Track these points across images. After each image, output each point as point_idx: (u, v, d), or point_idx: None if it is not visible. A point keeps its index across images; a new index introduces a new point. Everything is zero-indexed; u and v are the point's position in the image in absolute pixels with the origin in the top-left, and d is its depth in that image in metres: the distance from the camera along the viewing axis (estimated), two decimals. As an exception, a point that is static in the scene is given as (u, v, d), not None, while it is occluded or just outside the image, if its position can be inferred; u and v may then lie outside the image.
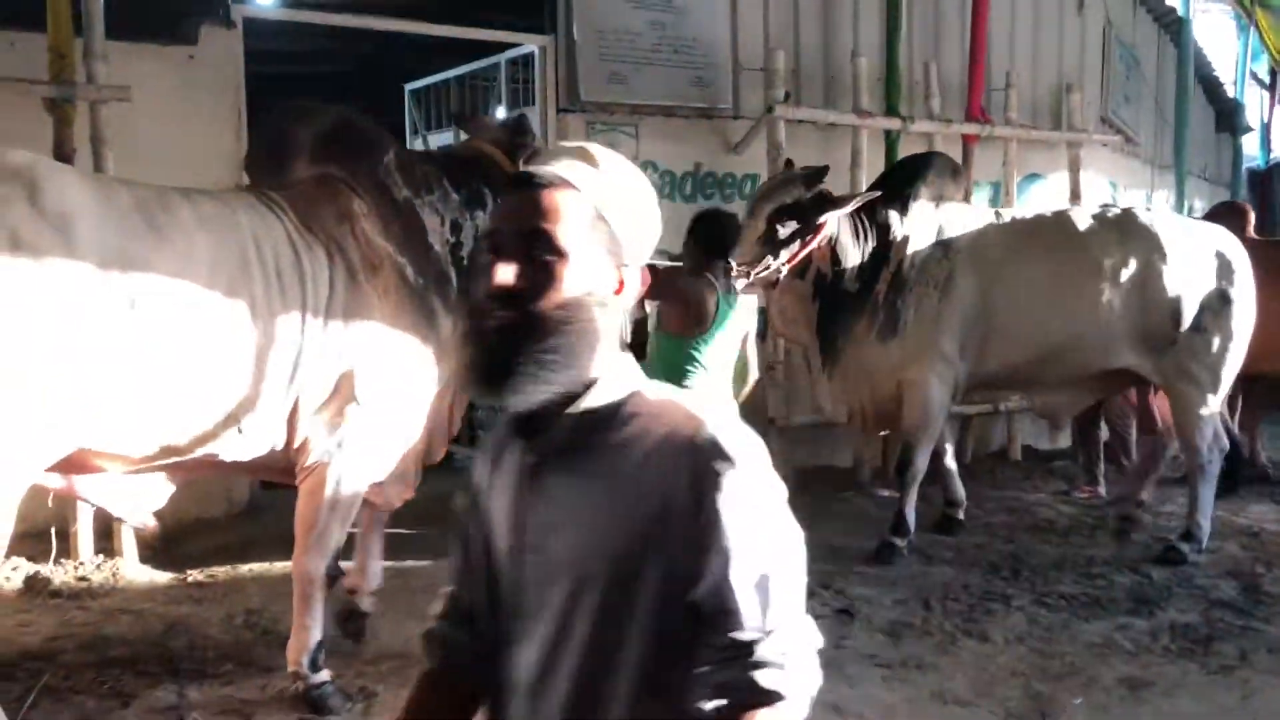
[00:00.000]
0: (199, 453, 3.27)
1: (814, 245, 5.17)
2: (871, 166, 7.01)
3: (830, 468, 7.17)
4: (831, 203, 5.12)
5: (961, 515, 6.01)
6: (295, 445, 3.46)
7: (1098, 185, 8.58)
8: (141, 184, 3.26)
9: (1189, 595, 5.15)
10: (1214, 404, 5.70)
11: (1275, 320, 6.11)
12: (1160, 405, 6.07)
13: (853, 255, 5.31)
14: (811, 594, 4.64)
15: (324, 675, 3.64)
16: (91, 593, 4.68)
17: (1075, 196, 7.90)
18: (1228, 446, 5.89)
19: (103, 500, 3.40)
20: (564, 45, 6.51)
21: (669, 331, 4.14)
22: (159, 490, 3.45)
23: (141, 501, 3.43)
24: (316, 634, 3.64)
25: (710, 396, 3.80)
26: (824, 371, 5.44)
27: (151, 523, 3.51)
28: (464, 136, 4.52)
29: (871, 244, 5.33)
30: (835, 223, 5.23)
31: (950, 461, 6.09)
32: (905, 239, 5.35)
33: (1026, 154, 7.94)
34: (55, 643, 4.19)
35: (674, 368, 4.05)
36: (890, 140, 7.18)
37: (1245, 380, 7.53)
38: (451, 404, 3.92)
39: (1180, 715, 3.90)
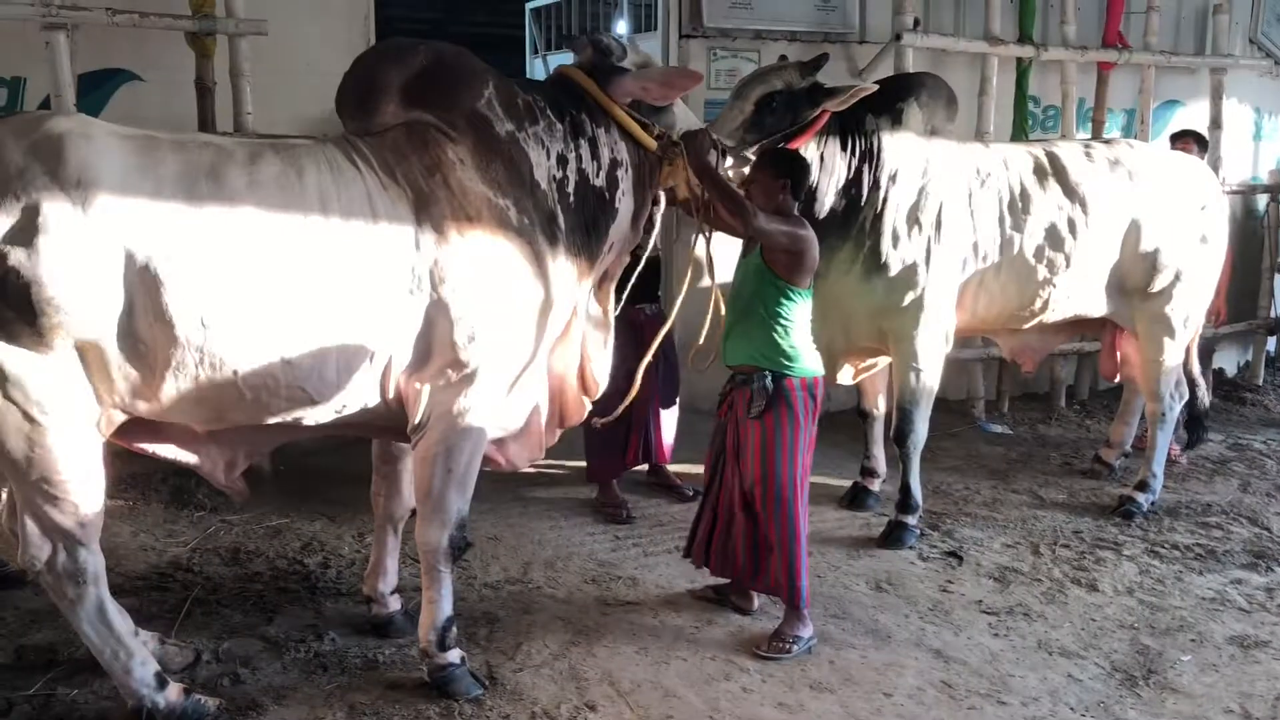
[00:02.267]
0: (272, 421, 3.23)
1: (805, 140, 4.58)
2: (1001, 95, 6.84)
3: (941, 400, 7.10)
4: (826, 94, 4.66)
5: (877, 488, 5.46)
6: (399, 407, 3.38)
7: (1241, 112, 8.19)
8: (206, 144, 3.15)
9: (1310, 550, 5.07)
10: (1180, 350, 5.46)
11: None
12: (1121, 346, 5.73)
13: (840, 167, 4.73)
14: (921, 535, 4.72)
15: (453, 655, 3.53)
16: (231, 506, 4.91)
17: (1216, 125, 7.57)
18: (1188, 395, 5.62)
19: (185, 458, 3.33)
20: (688, -32, 6.44)
21: (776, 271, 3.89)
22: (243, 453, 3.41)
23: (229, 462, 3.39)
24: (446, 609, 3.52)
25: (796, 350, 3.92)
26: None
27: (239, 486, 3.43)
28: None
29: (859, 161, 4.76)
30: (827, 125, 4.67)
31: (879, 432, 5.49)
32: (896, 170, 4.78)
33: (1165, 80, 7.60)
34: (200, 556, 4.50)
35: (768, 310, 3.88)
36: (1021, 69, 6.97)
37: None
38: (584, 360, 3.80)
39: (1292, 679, 3.89)
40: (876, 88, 4.74)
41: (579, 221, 3.58)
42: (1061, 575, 4.67)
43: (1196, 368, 5.83)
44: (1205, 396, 5.97)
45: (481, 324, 3.32)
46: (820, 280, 4.70)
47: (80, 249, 2.84)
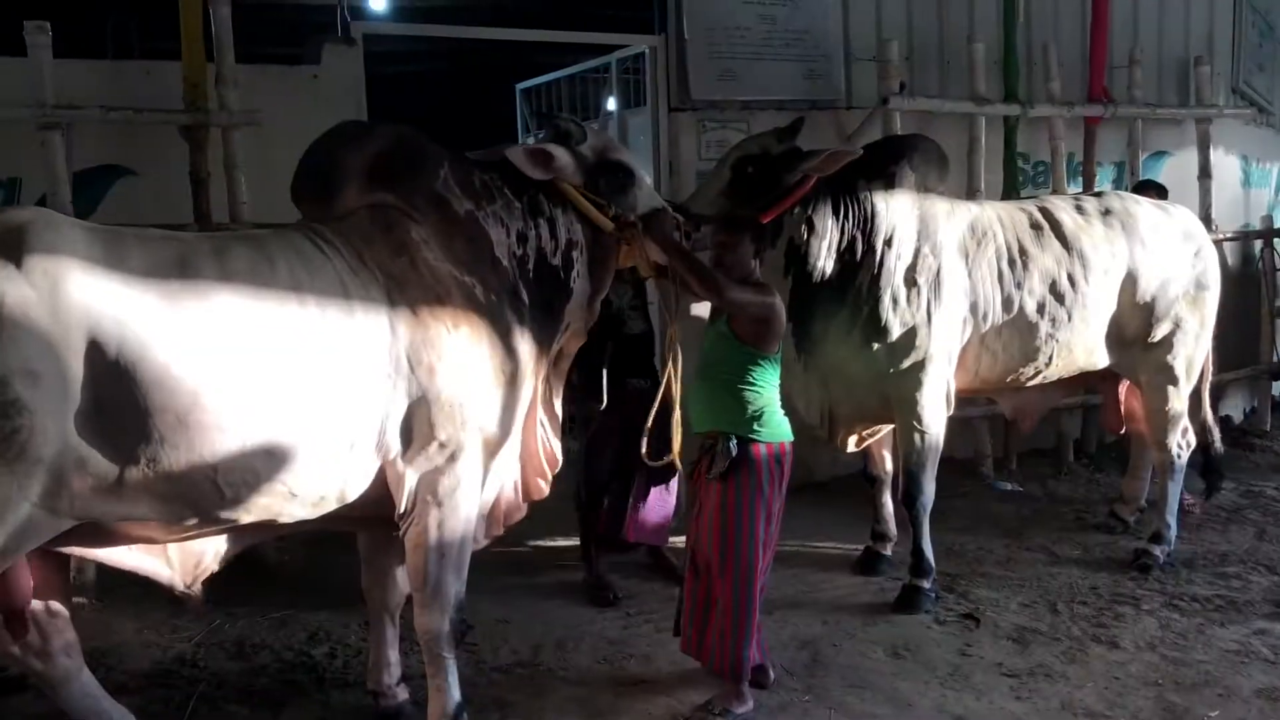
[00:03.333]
0: (248, 519, 3.10)
1: (788, 204, 4.59)
2: (990, 153, 6.90)
3: (948, 460, 7.04)
4: (804, 158, 4.60)
5: (889, 552, 5.41)
6: (381, 495, 3.30)
7: (1229, 161, 8.27)
8: (170, 238, 3.08)
9: (1331, 597, 4.99)
10: (1185, 398, 5.41)
11: None
12: (1125, 399, 5.73)
13: (832, 231, 4.70)
14: (936, 597, 4.65)
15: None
16: (235, 599, 4.81)
17: (1205, 174, 7.64)
18: (1194, 441, 5.56)
19: (144, 568, 3.19)
20: (674, 44, 6.52)
21: (742, 338, 3.85)
22: (210, 556, 3.27)
23: (191, 568, 3.25)
24: (455, 695, 3.48)
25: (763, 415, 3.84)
26: (798, 361, 4.82)
27: (197, 592, 3.28)
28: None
29: (853, 226, 4.73)
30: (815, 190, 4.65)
31: (887, 495, 5.44)
32: (891, 233, 4.76)
33: (1152, 131, 7.70)
34: (205, 650, 4.42)
35: (735, 375, 3.83)
36: (1009, 126, 7.03)
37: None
38: (540, 438, 3.74)
39: (1323, 731, 3.81)
40: (860, 151, 4.77)
41: (538, 298, 3.57)
42: (1081, 633, 4.59)
43: (1210, 415, 5.79)
44: (1219, 443, 5.92)
45: (460, 403, 3.29)
46: (819, 347, 4.73)
47: (49, 343, 2.67)
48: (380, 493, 3.30)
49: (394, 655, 3.83)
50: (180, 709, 3.89)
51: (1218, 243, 6.58)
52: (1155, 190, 6.44)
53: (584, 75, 7.70)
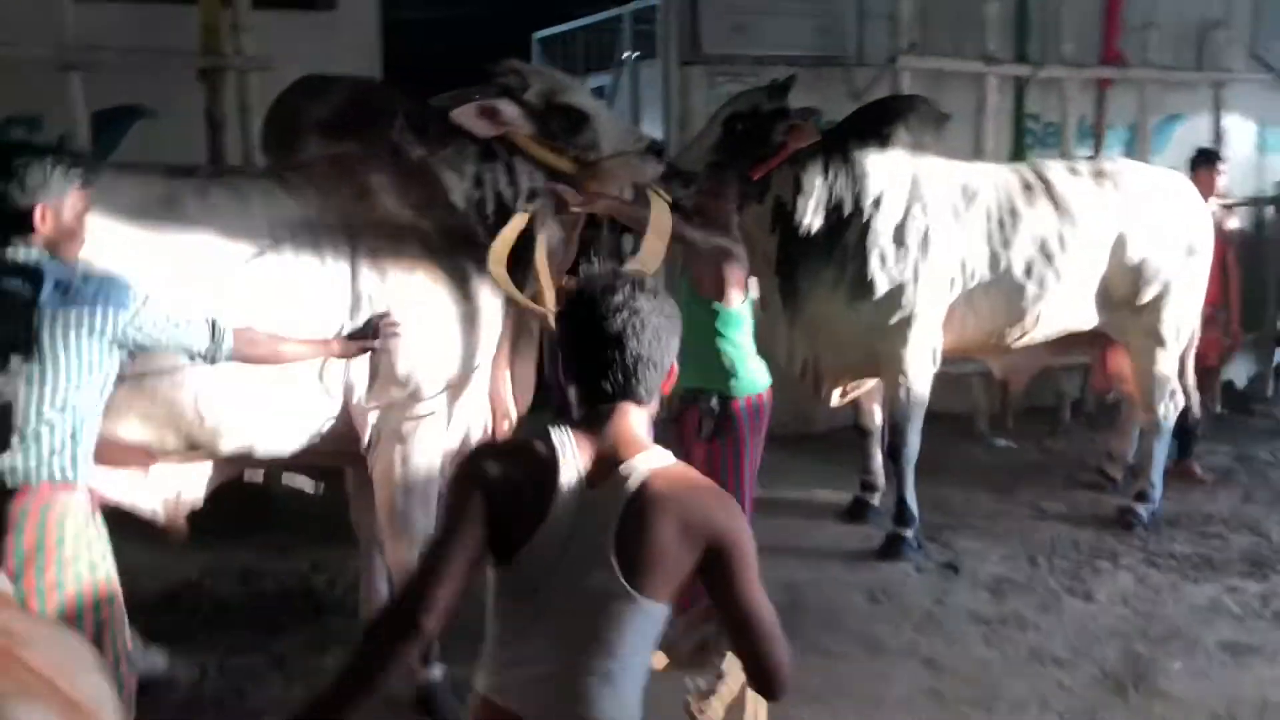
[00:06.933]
0: (227, 450, 3.28)
1: (776, 163, 4.68)
2: (1000, 114, 6.93)
3: (944, 415, 7.14)
4: (789, 117, 4.70)
5: (876, 502, 5.55)
6: (349, 431, 3.44)
7: (1243, 126, 8.23)
8: (153, 178, 3.26)
9: (1308, 558, 5.09)
10: (1174, 360, 5.49)
11: None
12: (1113, 361, 5.81)
13: (819, 190, 4.78)
14: (919, 547, 4.73)
15: (436, 672, 3.59)
16: (242, 529, 4.88)
17: (1218, 139, 7.64)
18: (1183, 403, 5.62)
19: (126, 497, 3.23)
20: (687, -4, 6.57)
21: (701, 290, 3.93)
22: (195, 485, 3.38)
23: (172, 497, 3.34)
24: None
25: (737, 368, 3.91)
26: (783, 315, 4.96)
27: (180, 523, 3.38)
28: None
29: (841, 186, 4.82)
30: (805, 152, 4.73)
31: (875, 446, 5.56)
32: (881, 194, 4.84)
33: (1166, 94, 7.70)
34: (211, 577, 4.61)
35: (704, 332, 3.86)
36: (1019, 87, 7.05)
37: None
38: (510, 373, 3.80)
39: (1281, 683, 3.93)
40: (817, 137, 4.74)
41: None
42: (1057, 585, 4.73)
43: (1191, 379, 5.86)
44: (1197, 407, 6.01)
45: (418, 343, 3.42)
46: (805, 302, 4.83)
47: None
48: (347, 429, 3.46)
49: (383, 586, 3.99)
50: (183, 629, 4.07)
51: (1227, 208, 6.62)
52: (1207, 157, 6.42)
53: (600, 26, 7.75)
